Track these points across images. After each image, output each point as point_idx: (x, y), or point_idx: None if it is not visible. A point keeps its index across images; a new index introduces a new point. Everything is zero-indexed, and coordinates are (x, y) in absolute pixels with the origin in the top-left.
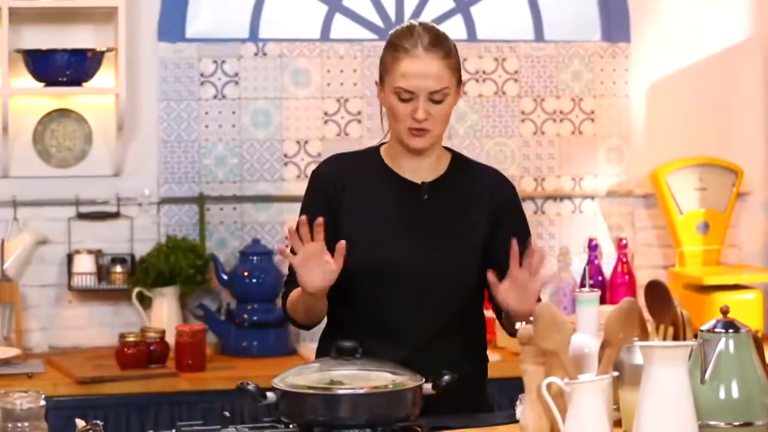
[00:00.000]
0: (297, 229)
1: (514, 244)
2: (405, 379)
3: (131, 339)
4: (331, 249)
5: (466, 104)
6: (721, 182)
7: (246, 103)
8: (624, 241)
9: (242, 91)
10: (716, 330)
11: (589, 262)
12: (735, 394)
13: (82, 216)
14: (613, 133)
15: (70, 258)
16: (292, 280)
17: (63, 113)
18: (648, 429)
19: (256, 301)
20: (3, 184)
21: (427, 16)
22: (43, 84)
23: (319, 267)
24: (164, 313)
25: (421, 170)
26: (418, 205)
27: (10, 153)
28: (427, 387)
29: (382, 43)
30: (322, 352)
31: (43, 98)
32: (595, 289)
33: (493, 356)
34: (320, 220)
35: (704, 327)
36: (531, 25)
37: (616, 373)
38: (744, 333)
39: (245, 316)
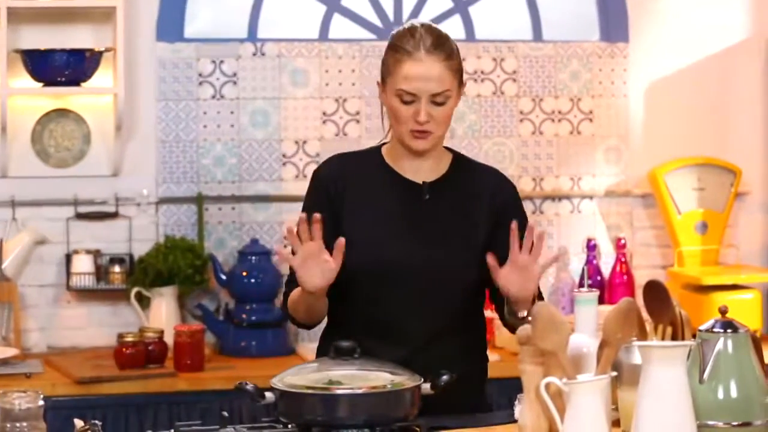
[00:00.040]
0: (296, 229)
1: (514, 226)
2: (403, 379)
3: (130, 339)
4: (332, 249)
5: (464, 104)
6: (719, 182)
7: (244, 103)
8: (622, 241)
9: (241, 91)
10: (715, 330)
11: (588, 262)
12: (733, 393)
13: (80, 216)
14: (612, 133)
15: (68, 258)
16: (292, 280)
17: (61, 113)
18: (646, 429)
19: (255, 301)
20: (1, 184)
21: (425, 16)
22: (41, 84)
23: (318, 266)
24: (163, 313)
25: (423, 170)
26: (419, 205)
27: (9, 153)
28: (426, 387)
29: (381, 43)
30: (322, 352)
31: (42, 98)
32: (594, 289)
33: (491, 356)
34: (317, 216)
35: (703, 327)
36: (529, 25)
37: (614, 373)
38: (742, 333)
39: (244, 316)
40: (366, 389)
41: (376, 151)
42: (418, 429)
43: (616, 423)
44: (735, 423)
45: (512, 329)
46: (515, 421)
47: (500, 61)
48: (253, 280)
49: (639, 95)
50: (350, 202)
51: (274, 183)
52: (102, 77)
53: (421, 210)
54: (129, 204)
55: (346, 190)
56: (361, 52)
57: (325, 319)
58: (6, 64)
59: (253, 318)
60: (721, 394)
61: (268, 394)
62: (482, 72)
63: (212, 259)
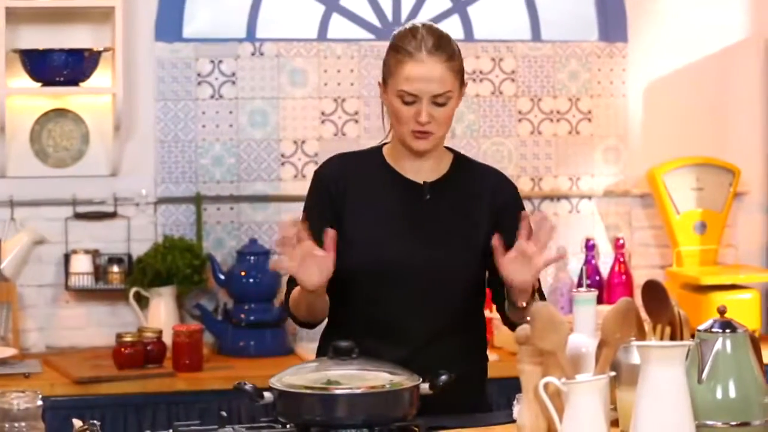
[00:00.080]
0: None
1: (525, 214)
2: (402, 379)
3: (128, 339)
4: (336, 251)
5: (463, 104)
6: (718, 182)
7: (243, 102)
8: (621, 241)
9: (239, 90)
10: (713, 330)
11: (587, 261)
12: (732, 393)
13: (79, 216)
14: (610, 132)
15: (67, 258)
16: (292, 279)
17: (60, 113)
18: (645, 429)
19: (253, 300)
20: (0, 184)
21: (424, 16)
22: (40, 84)
23: (314, 264)
24: (161, 313)
25: (423, 170)
26: (420, 205)
27: (7, 153)
28: (425, 387)
29: (380, 44)
30: (322, 352)
31: (40, 98)
32: (592, 289)
33: (490, 356)
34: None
35: (701, 327)
36: (528, 25)
37: (613, 373)
38: (741, 333)
39: (242, 315)
40: (364, 389)
41: (377, 151)
42: (416, 429)
43: (614, 423)
44: (733, 423)
45: (513, 327)
46: (514, 421)
47: (499, 61)
48: (251, 280)
49: (638, 95)
50: (351, 202)
51: (272, 183)
52: (100, 77)
53: (422, 210)
54: (127, 204)
55: (347, 189)
56: (360, 52)
57: (326, 320)
58: (4, 63)
59: (252, 318)
60: (719, 394)
61: (267, 394)
62: (481, 72)
63: (211, 259)
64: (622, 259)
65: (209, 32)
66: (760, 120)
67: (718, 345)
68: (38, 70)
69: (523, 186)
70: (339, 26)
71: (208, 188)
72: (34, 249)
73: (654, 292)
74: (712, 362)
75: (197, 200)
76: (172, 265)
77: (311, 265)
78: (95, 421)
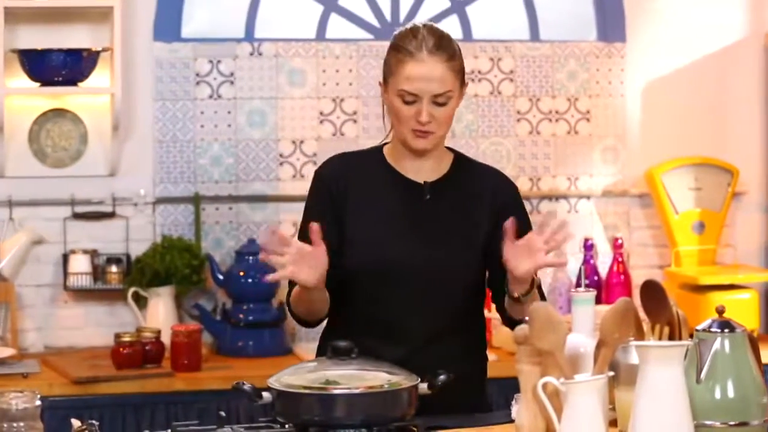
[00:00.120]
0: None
1: (546, 212)
2: (400, 379)
3: (127, 339)
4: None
5: (461, 104)
6: (716, 182)
7: (241, 102)
8: (619, 241)
9: (238, 90)
10: (712, 330)
11: (585, 261)
12: (731, 393)
13: (77, 216)
14: (609, 132)
15: (65, 258)
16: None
17: (58, 113)
18: (644, 429)
19: (252, 300)
20: None
21: (422, 16)
22: (38, 84)
23: (305, 262)
24: (160, 313)
25: (424, 170)
26: (420, 204)
27: (6, 153)
28: (423, 387)
29: (378, 43)
30: (322, 352)
31: (39, 98)
32: (591, 289)
33: (489, 356)
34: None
35: (700, 327)
36: (526, 25)
37: (611, 373)
38: (739, 333)
39: (241, 315)
40: (363, 389)
41: (377, 150)
42: (415, 429)
43: (613, 423)
44: (732, 423)
45: (513, 327)
46: (512, 421)
47: (497, 61)
48: (250, 280)
49: (636, 95)
50: (352, 202)
51: (271, 183)
52: (99, 77)
53: (422, 210)
54: (126, 204)
55: (347, 189)
56: (359, 52)
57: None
58: (3, 63)
59: (250, 318)
60: (718, 394)
61: (266, 394)
62: (479, 72)
63: (209, 259)
64: (620, 259)
65: (208, 32)
66: (758, 120)
67: (716, 345)
68: (37, 70)
69: (522, 186)
70: (337, 26)
71: (207, 188)
72: (33, 249)
73: (652, 292)
74: (711, 362)
75: (196, 200)
76: (171, 265)
77: (302, 264)
78: (94, 421)
